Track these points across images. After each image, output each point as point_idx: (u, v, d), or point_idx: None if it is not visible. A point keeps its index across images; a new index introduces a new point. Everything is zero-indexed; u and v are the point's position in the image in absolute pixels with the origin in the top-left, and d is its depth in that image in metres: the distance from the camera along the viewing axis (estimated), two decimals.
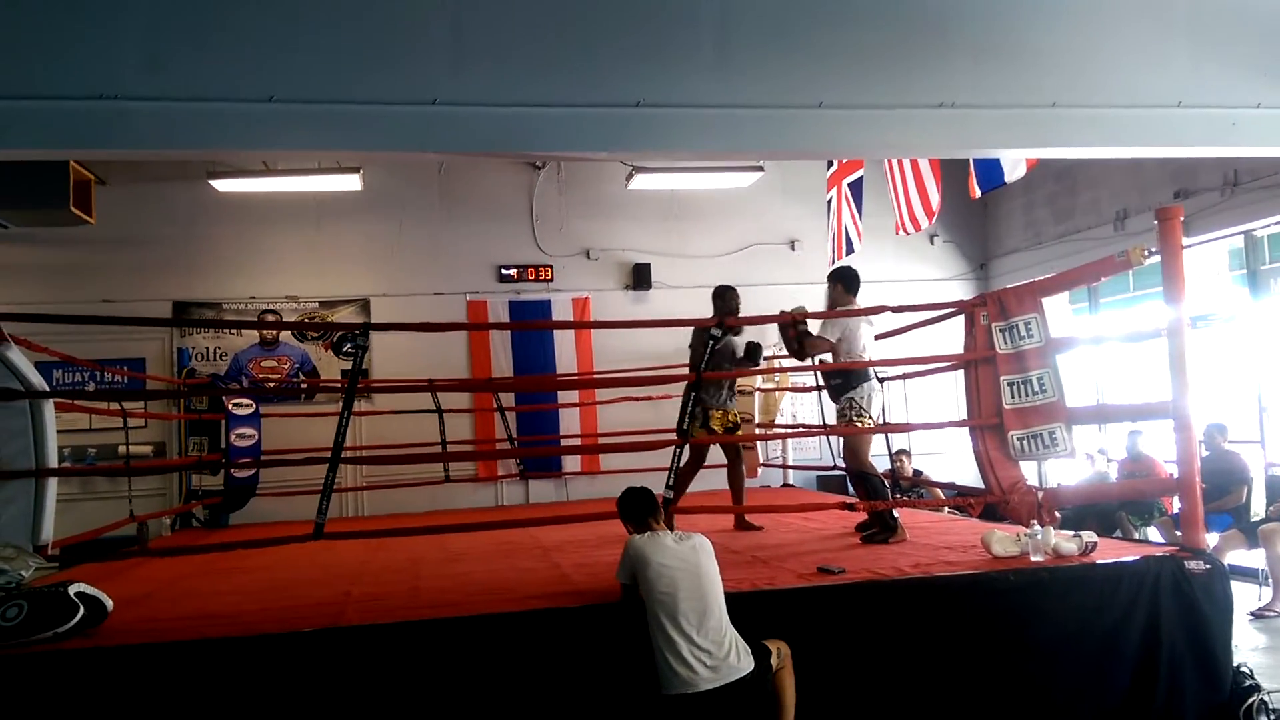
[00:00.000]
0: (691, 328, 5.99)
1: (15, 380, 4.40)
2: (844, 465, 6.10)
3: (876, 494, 5.50)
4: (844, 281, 5.77)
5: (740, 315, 6.05)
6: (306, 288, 9.91)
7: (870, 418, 5.53)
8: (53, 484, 4.50)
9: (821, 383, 6.15)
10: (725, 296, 6.18)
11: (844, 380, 5.56)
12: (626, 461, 7.78)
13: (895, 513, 5.43)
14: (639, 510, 3.99)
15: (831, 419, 5.94)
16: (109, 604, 3.78)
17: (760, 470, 9.05)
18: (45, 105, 3.96)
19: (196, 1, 4.11)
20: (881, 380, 6.52)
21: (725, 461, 6.37)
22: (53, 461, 4.56)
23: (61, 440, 4.75)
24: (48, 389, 4.74)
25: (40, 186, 8.00)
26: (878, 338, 6.62)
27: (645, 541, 3.77)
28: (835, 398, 5.67)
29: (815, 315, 5.54)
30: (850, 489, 7.36)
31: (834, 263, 9.60)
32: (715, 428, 6.02)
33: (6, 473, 4.38)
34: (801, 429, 9.46)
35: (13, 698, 3.40)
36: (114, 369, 8.41)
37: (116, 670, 3.49)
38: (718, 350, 5.69)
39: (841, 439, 5.98)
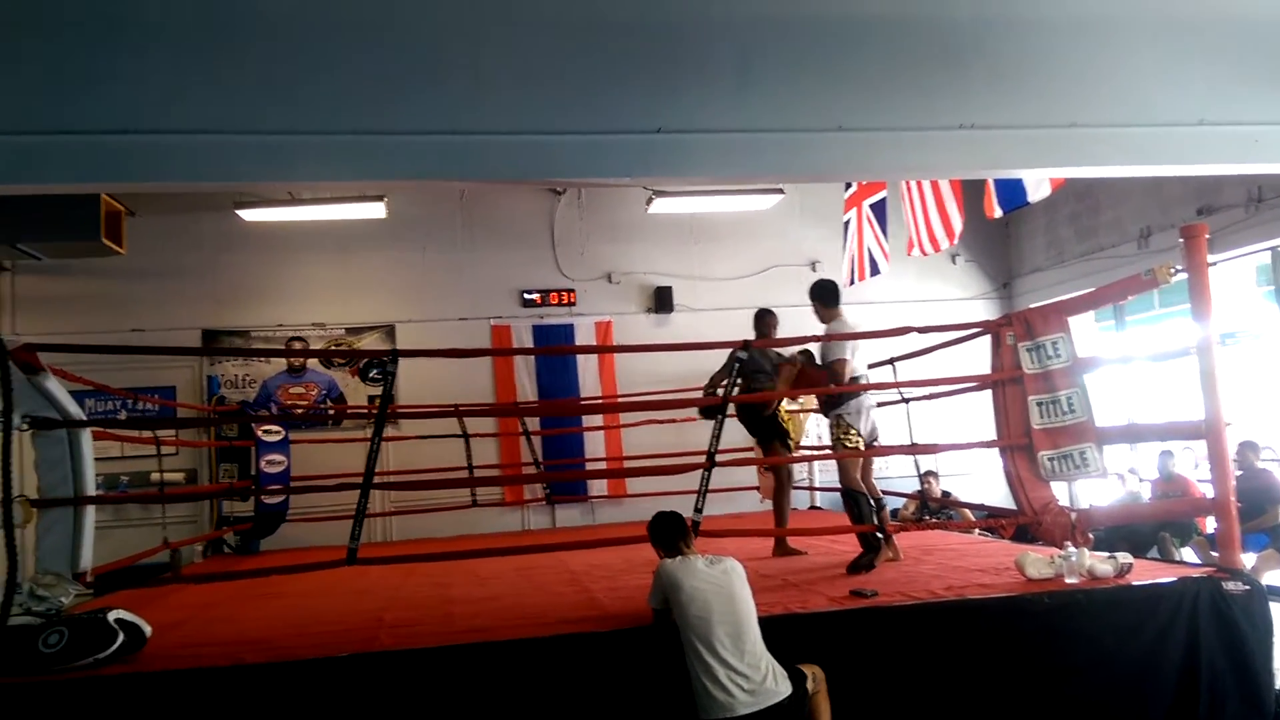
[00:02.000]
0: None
1: (53, 410, 4.46)
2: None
3: (861, 516, 5.38)
4: (823, 297, 5.76)
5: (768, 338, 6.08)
6: (333, 314, 10.01)
7: (859, 436, 5.46)
8: (90, 512, 4.55)
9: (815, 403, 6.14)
10: (762, 319, 6.28)
11: (835, 396, 5.52)
12: (652, 485, 7.80)
13: (880, 532, 5.33)
14: (669, 534, 4.00)
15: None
16: (148, 630, 3.83)
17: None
18: (77, 139, 4.03)
19: (221, 37, 4.18)
20: (906, 400, 6.56)
21: (755, 484, 6.38)
22: (90, 489, 4.61)
23: (95, 468, 4.81)
24: (84, 418, 4.80)
25: (72, 218, 8.14)
26: (901, 359, 6.65)
27: (677, 565, 3.78)
28: (826, 413, 5.73)
29: (829, 337, 5.56)
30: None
31: (851, 284, 9.61)
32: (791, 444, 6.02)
33: (47, 500, 4.44)
34: (810, 452, 9.42)
35: None
36: (145, 397, 8.50)
37: (156, 696, 3.53)
38: (750, 371, 5.82)
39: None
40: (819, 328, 5.74)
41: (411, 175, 4.52)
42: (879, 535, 5.31)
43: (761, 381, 6.03)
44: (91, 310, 9.36)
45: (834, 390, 5.46)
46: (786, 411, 9.15)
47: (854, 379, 5.50)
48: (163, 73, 4.12)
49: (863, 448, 5.46)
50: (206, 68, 4.16)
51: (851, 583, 4.65)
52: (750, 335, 6.01)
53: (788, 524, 6.33)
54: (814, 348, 5.77)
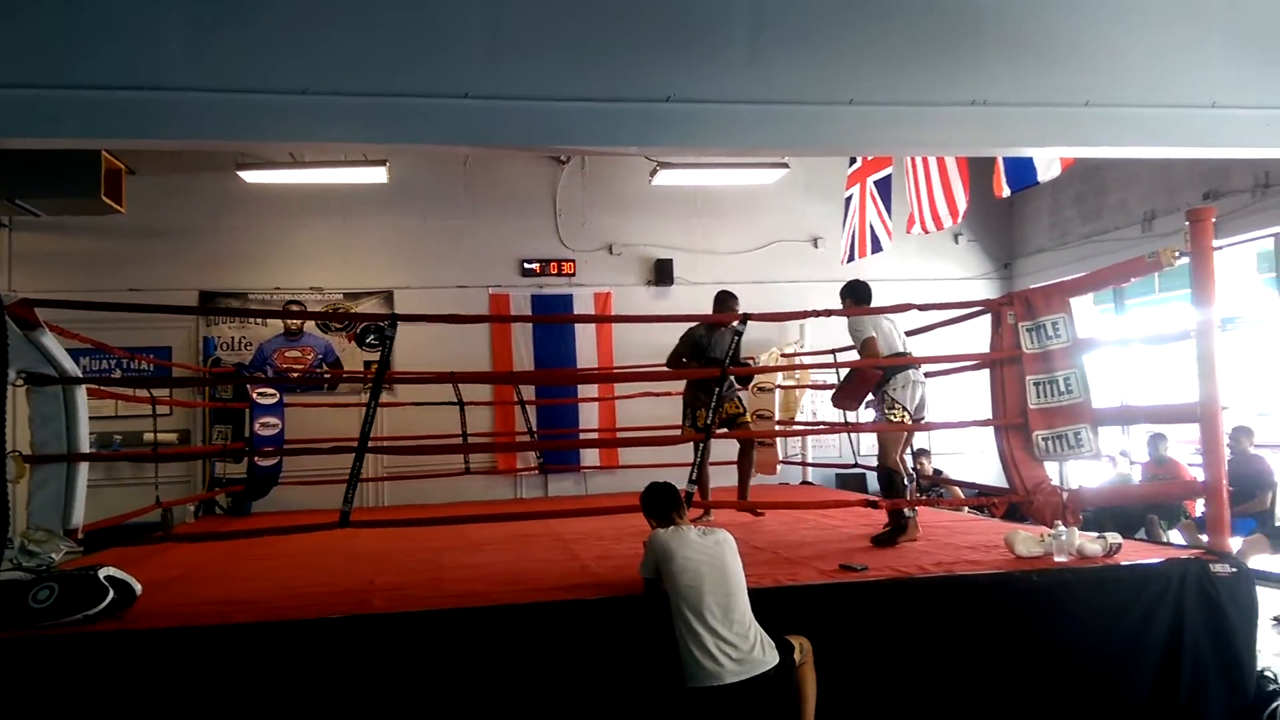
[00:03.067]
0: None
1: (49, 366, 4.45)
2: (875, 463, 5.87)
3: (895, 493, 5.36)
4: (855, 296, 5.65)
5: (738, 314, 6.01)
6: (331, 279, 9.98)
7: (905, 411, 5.31)
8: (84, 469, 4.55)
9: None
10: (725, 301, 6.32)
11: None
12: (645, 456, 7.81)
13: (910, 512, 5.29)
14: (662, 505, 4.01)
15: (858, 416, 5.91)
16: (138, 588, 3.83)
17: (779, 468, 9.03)
18: (85, 95, 4.00)
19: None
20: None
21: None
22: (84, 446, 4.61)
23: (89, 426, 4.81)
24: (79, 375, 4.79)
25: (72, 176, 8.07)
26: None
27: (669, 535, 3.79)
28: (873, 392, 5.46)
29: (845, 313, 5.53)
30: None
31: (851, 259, 9.57)
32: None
33: (40, 456, 4.44)
34: (824, 426, 9.44)
35: (44, 678, 3.46)
36: (141, 356, 8.51)
37: (146, 653, 3.54)
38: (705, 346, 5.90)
39: (875, 435, 5.89)
40: (819, 304, 5.71)
41: (419, 140, 4.50)
42: (907, 514, 5.23)
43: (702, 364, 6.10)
44: (89, 268, 9.33)
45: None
46: (779, 386, 9.20)
47: (891, 355, 5.36)
48: (169, 28, 4.08)
49: (909, 423, 5.36)
50: (214, 24, 4.13)
51: (842, 556, 4.66)
52: (741, 310, 6.00)
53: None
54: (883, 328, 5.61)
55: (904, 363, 5.35)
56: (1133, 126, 4.85)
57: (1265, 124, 4.89)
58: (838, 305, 5.65)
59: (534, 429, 9.67)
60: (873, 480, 9.48)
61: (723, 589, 3.61)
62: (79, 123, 3.99)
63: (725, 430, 6.12)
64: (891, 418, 5.34)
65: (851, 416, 6.34)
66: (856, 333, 5.40)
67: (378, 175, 9.18)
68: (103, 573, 3.75)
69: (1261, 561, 6.63)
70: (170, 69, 4.02)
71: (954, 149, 6.53)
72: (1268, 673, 4.33)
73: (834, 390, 5.84)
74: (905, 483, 5.44)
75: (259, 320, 9.87)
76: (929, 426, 6.36)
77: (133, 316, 8.38)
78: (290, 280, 9.89)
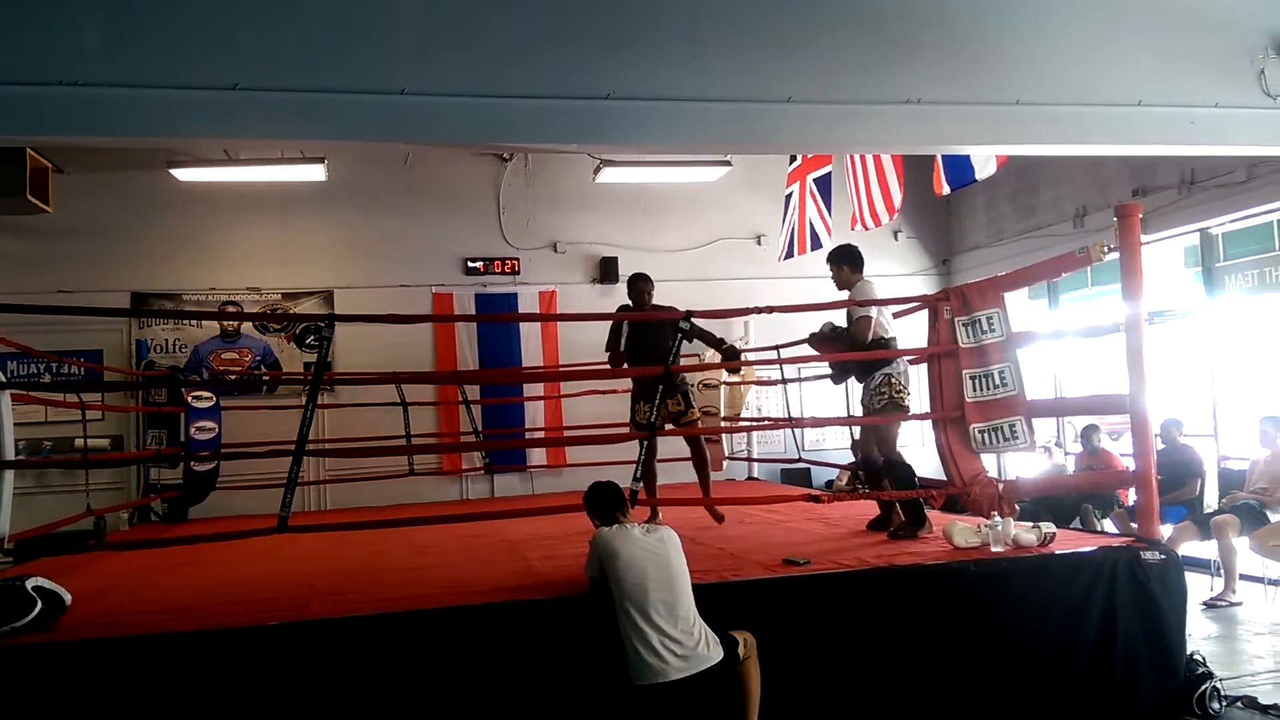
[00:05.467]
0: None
1: None
2: (861, 454, 5.88)
3: (908, 485, 5.23)
4: (849, 261, 5.56)
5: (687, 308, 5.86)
6: (269, 279, 9.77)
7: (909, 396, 5.29)
8: (9, 476, 4.41)
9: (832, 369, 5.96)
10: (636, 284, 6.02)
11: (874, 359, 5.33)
12: (592, 455, 7.79)
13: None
14: (606, 504, 4.01)
15: (818, 411, 5.85)
16: (67, 598, 3.72)
17: (725, 464, 9.09)
18: (3, 90, 3.87)
19: None
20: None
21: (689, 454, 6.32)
22: (9, 454, 4.46)
23: (17, 433, 4.65)
24: (3, 380, 4.63)
25: None
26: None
27: (613, 534, 3.79)
28: (864, 377, 5.41)
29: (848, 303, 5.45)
30: (858, 480, 6.88)
31: (790, 256, 9.66)
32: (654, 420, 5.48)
33: None
34: (769, 422, 9.51)
35: None
36: (71, 360, 8.25)
37: (76, 665, 3.44)
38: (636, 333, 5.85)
39: (861, 425, 5.82)
40: (763, 300, 5.74)
41: (355, 136, 4.44)
42: (923, 505, 5.19)
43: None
44: (15, 270, 8.99)
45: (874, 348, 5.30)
46: (724, 382, 9.25)
47: (884, 340, 5.34)
48: (98, 22, 3.97)
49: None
50: (144, 18, 4.03)
51: (786, 551, 4.70)
52: (683, 307, 5.73)
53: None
54: (835, 318, 5.71)
55: (878, 356, 5.28)
56: (1061, 124, 4.98)
57: (1189, 122, 5.05)
58: (781, 301, 5.68)
59: (479, 429, 9.59)
60: (818, 474, 9.62)
61: (667, 586, 3.62)
62: None
63: (671, 428, 6.10)
64: (901, 402, 5.26)
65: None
66: (855, 310, 5.34)
67: (316, 173, 9.01)
68: (30, 583, 3.63)
69: (1191, 548, 6.83)
70: (92, 63, 3.91)
71: (891, 147, 6.63)
72: (1196, 656, 4.47)
73: (818, 338, 5.71)
74: (912, 474, 5.31)
75: (194, 322, 9.64)
76: (870, 420, 6.43)
77: (62, 319, 8.13)
78: (226, 280, 9.67)
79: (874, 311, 5.34)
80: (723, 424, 9.03)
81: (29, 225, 8.83)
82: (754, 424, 9.83)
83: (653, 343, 5.74)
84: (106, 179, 9.31)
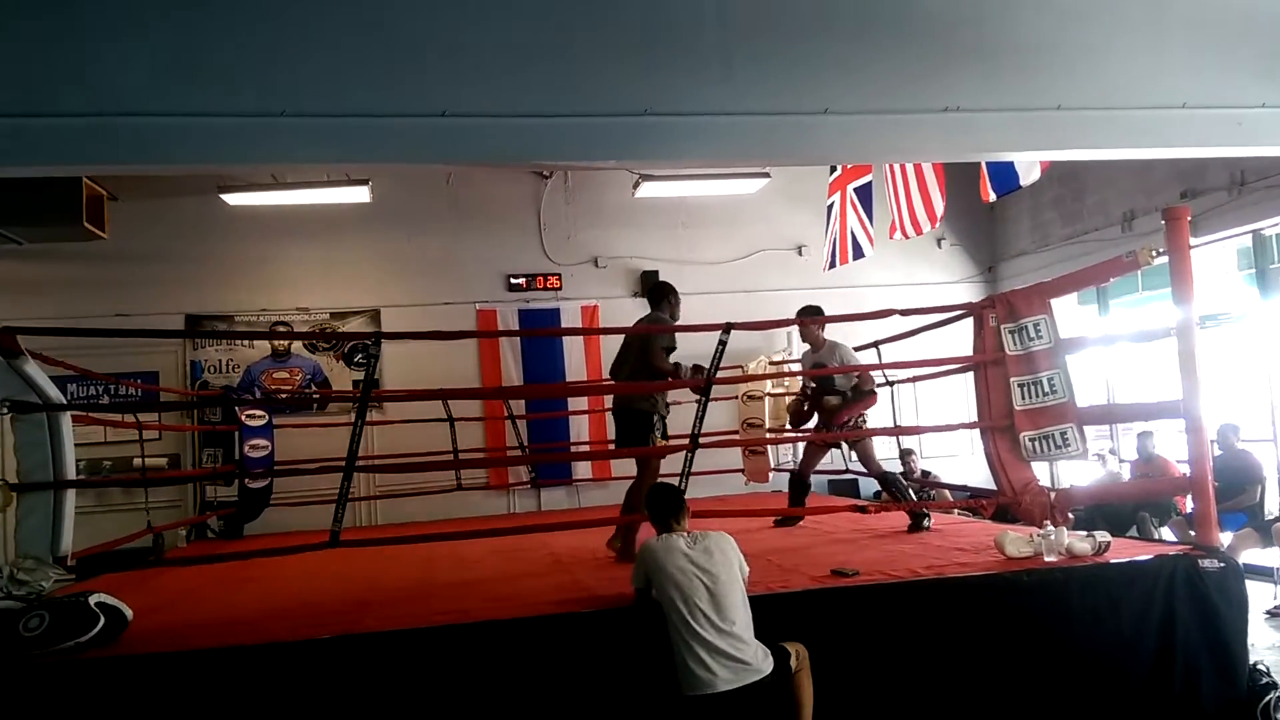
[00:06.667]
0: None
1: (33, 394, 4.44)
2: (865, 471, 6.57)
3: (902, 492, 6.11)
4: (819, 313, 6.24)
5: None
6: (317, 299, 9.97)
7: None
8: (71, 495, 4.53)
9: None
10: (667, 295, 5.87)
11: (854, 392, 6.19)
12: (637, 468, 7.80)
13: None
14: (664, 508, 3.99)
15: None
16: (129, 613, 3.82)
17: (771, 475, 9.05)
18: (59, 122, 4.01)
19: (207, 18, 4.16)
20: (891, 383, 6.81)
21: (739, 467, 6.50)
22: (70, 473, 4.59)
23: (78, 453, 4.78)
24: (64, 401, 4.78)
25: (53, 203, 8.07)
26: (885, 341, 6.71)
27: (658, 545, 3.79)
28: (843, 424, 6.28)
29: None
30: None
31: (833, 266, 9.64)
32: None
33: (27, 485, 4.42)
34: (814, 434, 9.43)
35: (35, 707, 3.44)
36: (128, 382, 8.48)
37: (137, 679, 3.52)
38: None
39: (856, 449, 6.50)
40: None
41: (397, 159, 4.52)
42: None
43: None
44: (75, 295, 9.28)
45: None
46: (769, 394, 9.22)
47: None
48: (147, 54, 4.10)
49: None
50: (192, 49, 4.14)
51: (834, 562, 4.68)
52: (724, 319, 5.73)
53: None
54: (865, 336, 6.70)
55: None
56: (1104, 129, 4.91)
57: (1236, 123, 4.95)
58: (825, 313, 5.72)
59: (525, 443, 9.66)
60: (865, 485, 9.53)
61: (715, 596, 3.60)
62: (53, 150, 4.00)
63: (711, 440, 6.10)
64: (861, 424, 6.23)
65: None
66: (869, 382, 6.28)
67: (360, 195, 9.19)
68: (93, 599, 3.74)
69: (1252, 556, 6.66)
70: (145, 94, 4.03)
71: (929, 155, 6.58)
72: (1260, 666, 4.35)
73: (838, 403, 6.34)
74: (900, 479, 6.14)
75: (246, 342, 9.85)
76: (919, 430, 6.43)
77: (120, 342, 8.36)
78: (276, 301, 9.88)
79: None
80: (767, 435, 8.99)
81: (87, 251, 9.11)
82: (799, 435, 9.77)
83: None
84: (159, 205, 9.57)
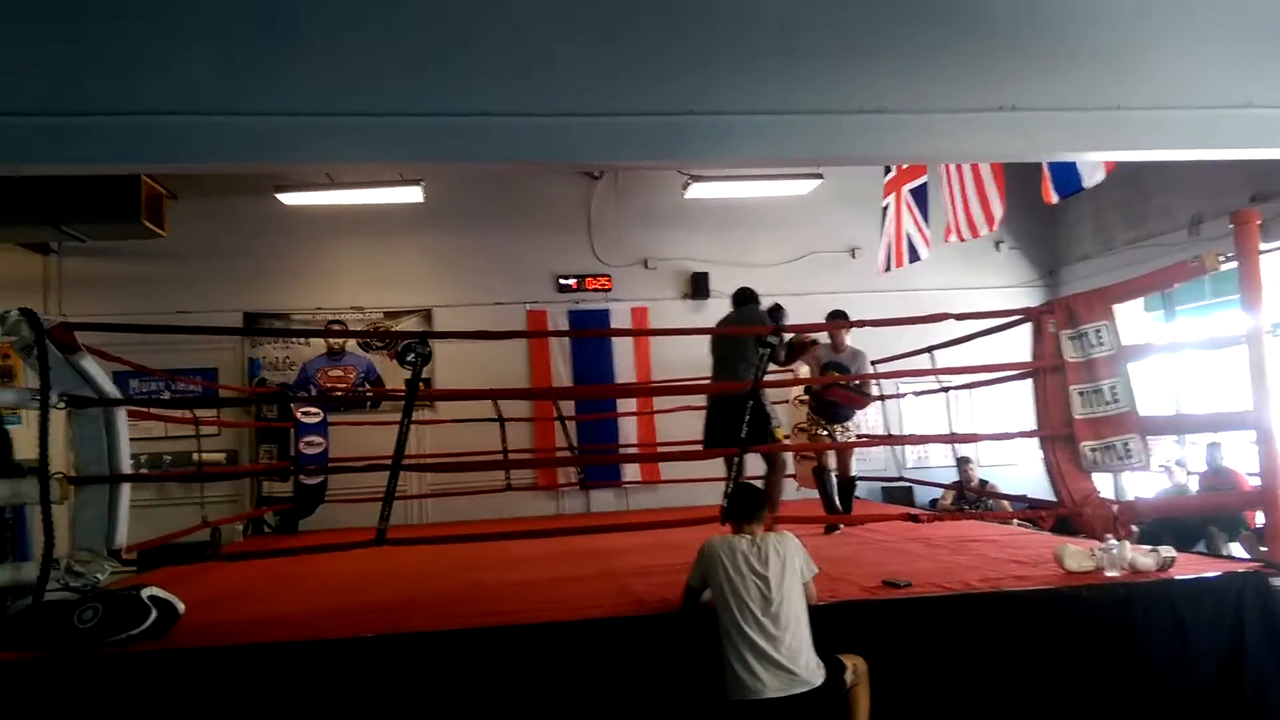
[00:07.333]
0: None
1: (89, 388, 4.52)
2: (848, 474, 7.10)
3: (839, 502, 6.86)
4: (845, 318, 6.49)
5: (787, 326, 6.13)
6: (371, 298, 10.09)
7: None
8: (126, 489, 4.61)
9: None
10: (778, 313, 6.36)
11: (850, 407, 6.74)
12: (686, 470, 7.76)
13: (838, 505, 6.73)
14: (742, 509, 3.95)
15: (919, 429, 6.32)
16: (180, 607, 3.87)
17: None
18: (118, 120, 4.07)
19: (263, 19, 4.20)
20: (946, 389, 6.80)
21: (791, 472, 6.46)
22: (126, 467, 4.67)
23: (137, 448, 4.88)
24: (120, 396, 4.86)
25: (114, 201, 8.28)
26: (940, 346, 6.57)
27: (720, 544, 3.74)
28: (844, 418, 6.86)
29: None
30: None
31: (888, 269, 9.48)
32: (779, 435, 6.30)
33: (83, 478, 4.52)
34: (869, 438, 9.29)
35: (87, 698, 3.50)
36: (187, 378, 8.65)
37: (187, 672, 3.58)
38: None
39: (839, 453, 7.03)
40: (858, 314, 5.67)
41: (445, 157, 4.51)
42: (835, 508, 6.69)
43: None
44: (136, 292, 9.51)
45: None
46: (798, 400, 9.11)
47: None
48: (199, 53, 4.14)
49: None
50: (249, 49, 4.18)
51: (884, 571, 4.58)
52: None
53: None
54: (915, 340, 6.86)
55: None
56: (1165, 129, 4.73)
57: None
58: (877, 316, 5.58)
59: (574, 444, 9.66)
60: (921, 493, 9.38)
61: (769, 601, 3.53)
62: (112, 149, 4.06)
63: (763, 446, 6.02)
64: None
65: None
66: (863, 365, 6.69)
67: (413, 194, 9.27)
68: (146, 593, 3.80)
69: None
70: (201, 93, 4.08)
71: (985, 155, 6.42)
72: None
73: (844, 392, 6.64)
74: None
75: (302, 340, 10.00)
76: (975, 438, 6.30)
77: (180, 339, 8.54)
78: (331, 300, 10.02)
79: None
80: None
81: (147, 249, 9.34)
82: (854, 441, 9.63)
83: None
84: (216, 204, 9.77)
